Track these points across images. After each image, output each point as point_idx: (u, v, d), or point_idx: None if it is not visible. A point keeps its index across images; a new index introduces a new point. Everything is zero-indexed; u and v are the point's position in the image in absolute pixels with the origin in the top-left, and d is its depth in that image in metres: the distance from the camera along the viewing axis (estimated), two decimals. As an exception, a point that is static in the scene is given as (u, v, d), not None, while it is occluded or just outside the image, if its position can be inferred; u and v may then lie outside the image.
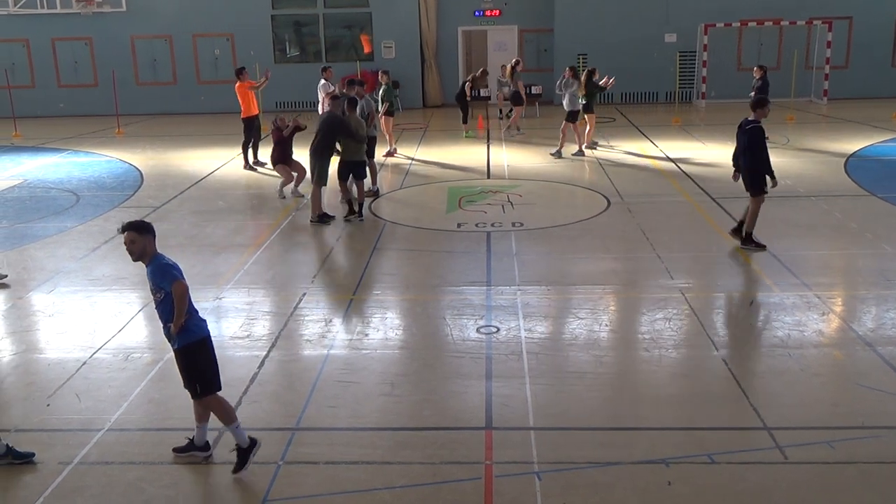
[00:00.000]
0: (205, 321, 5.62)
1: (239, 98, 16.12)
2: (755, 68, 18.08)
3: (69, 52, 26.11)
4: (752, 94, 17.43)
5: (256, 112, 16.30)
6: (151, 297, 5.52)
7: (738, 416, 6.20)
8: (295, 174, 13.82)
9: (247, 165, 16.33)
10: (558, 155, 16.59)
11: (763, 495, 5.19)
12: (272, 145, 13.94)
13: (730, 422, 6.15)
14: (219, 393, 5.61)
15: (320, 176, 11.99)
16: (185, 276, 5.41)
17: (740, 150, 10.19)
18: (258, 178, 15.67)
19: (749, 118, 10.04)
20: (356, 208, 12.15)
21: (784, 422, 6.07)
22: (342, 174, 12.19)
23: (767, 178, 9.98)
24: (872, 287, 8.97)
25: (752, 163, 9.99)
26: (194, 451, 5.70)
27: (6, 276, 9.62)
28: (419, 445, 5.90)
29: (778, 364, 7.06)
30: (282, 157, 13.84)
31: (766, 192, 10.06)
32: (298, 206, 13.14)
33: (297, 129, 13.96)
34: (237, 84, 16.18)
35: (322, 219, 12.00)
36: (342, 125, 11.92)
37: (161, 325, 5.55)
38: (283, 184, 13.84)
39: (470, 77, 20.92)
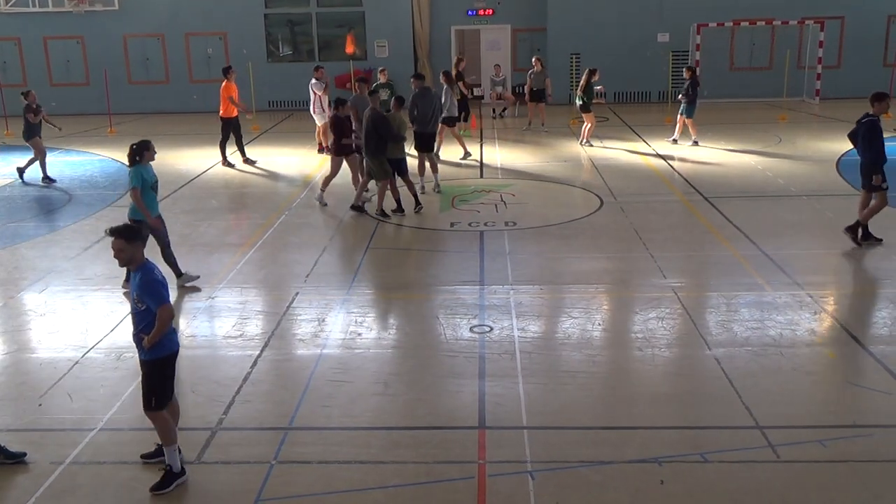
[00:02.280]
0: (176, 333, 5.48)
1: (224, 97, 16.07)
2: (685, 69, 18.07)
3: (61, 50, 25.96)
4: (682, 95, 17.43)
5: (236, 114, 16.30)
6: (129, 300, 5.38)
7: (730, 414, 6.21)
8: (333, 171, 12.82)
9: (225, 162, 16.41)
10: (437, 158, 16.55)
11: (755, 494, 5.21)
12: (331, 131, 12.87)
13: (722, 421, 6.16)
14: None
15: (385, 172, 11.98)
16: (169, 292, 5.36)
17: (856, 144, 10.20)
18: (252, 178, 15.63)
19: (869, 112, 10.06)
20: (414, 201, 12.41)
21: (776, 420, 6.09)
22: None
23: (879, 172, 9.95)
24: (864, 286, 9.01)
25: (866, 156, 10.02)
26: (162, 458, 5.52)
27: None
28: (412, 445, 5.90)
29: (770, 363, 7.08)
30: (340, 149, 12.62)
31: (886, 188, 9.99)
32: (291, 204, 13.11)
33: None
34: (225, 83, 16.14)
35: (383, 214, 12.11)
36: (386, 124, 11.89)
37: (132, 329, 5.44)
38: (325, 183, 12.91)
39: (455, 72, 20.65)
